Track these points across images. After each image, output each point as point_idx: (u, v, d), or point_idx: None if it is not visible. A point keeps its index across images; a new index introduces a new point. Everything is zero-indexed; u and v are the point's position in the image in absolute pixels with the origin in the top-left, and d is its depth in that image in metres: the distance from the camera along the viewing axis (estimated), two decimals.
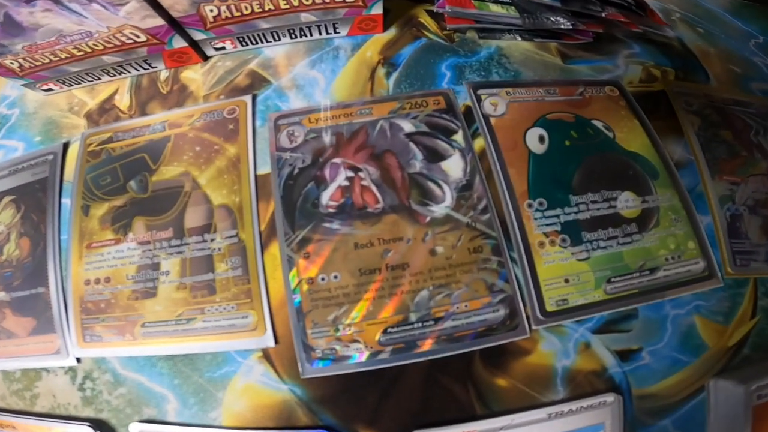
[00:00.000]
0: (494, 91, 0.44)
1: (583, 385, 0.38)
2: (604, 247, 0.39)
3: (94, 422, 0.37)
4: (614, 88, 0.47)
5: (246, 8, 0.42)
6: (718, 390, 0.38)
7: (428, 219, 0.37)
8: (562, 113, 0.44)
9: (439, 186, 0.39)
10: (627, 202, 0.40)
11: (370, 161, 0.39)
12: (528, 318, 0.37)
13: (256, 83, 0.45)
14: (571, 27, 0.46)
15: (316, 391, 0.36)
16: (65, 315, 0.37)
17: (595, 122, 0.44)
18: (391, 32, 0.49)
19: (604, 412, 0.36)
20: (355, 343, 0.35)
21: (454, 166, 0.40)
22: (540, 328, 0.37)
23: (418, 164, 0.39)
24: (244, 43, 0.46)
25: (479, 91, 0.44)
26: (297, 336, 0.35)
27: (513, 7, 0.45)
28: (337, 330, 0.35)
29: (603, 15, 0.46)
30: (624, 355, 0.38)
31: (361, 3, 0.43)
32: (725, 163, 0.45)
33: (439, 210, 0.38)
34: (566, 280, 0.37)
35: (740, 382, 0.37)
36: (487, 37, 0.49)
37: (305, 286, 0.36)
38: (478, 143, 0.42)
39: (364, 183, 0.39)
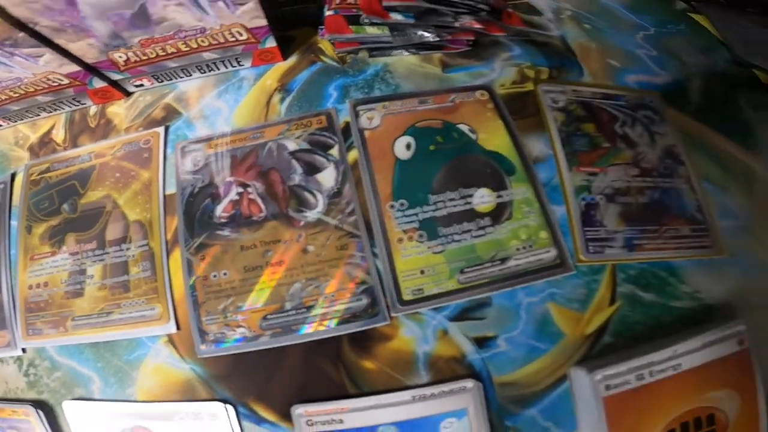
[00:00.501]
0: (372, 106, 0.48)
1: (445, 371, 0.40)
2: (459, 241, 0.42)
3: (36, 403, 0.43)
4: (484, 92, 0.50)
5: (151, 53, 0.47)
6: (573, 379, 0.40)
7: (302, 223, 0.42)
8: (432, 120, 0.48)
9: (314, 195, 0.44)
10: (482, 198, 0.44)
11: (257, 178, 0.45)
12: (387, 306, 0.40)
13: (169, 115, 0.50)
14: (438, 39, 0.49)
15: (212, 370, 0.41)
16: (14, 314, 0.44)
17: (461, 126, 0.47)
18: (292, 59, 0.53)
19: (466, 398, 0.38)
20: (241, 328, 0.40)
21: (327, 177, 0.44)
22: (399, 315, 0.40)
23: (297, 177, 0.44)
24: (159, 80, 0.52)
25: (358, 108, 0.48)
26: (194, 323, 0.41)
27: (386, 27, 0.49)
28: (226, 317, 0.41)
29: (457, 25, 0.49)
30: (481, 342, 0.41)
31: (253, 40, 0.47)
32: (585, 156, 0.48)
33: (312, 215, 0.43)
34: (422, 272, 0.41)
35: (588, 371, 0.38)
36: (377, 55, 0.53)
37: (200, 282, 0.42)
38: (353, 155, 0.46)
39: (251, 197, 0.44)
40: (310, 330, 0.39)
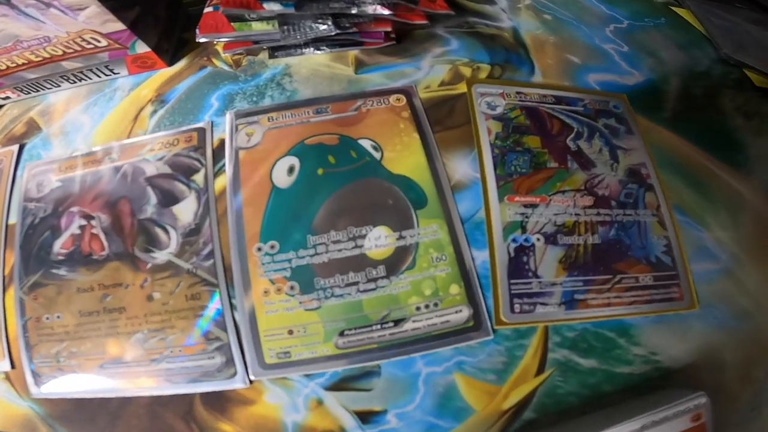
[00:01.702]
0: (255, 119, 0.35)
1: None
2: (340, 296, 0.30)
3: None
4: (401, 97, 0.36)
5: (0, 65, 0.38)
6: None
7: (149, 266, 0.31)
8: (325, 135, 0.34)
9: (166, 231, 0.32)
10: (378, 240, 0.31)
11: (104, 209, 0.33)
12: (246, 368, 0.29)
13: (30, 131, 0.39)
14: (340, 32, 0.35)
15: (52, 410, 0.32)
16: None
17: (363, 141, 0.34)
18: (180, 65, 0.41)
19: None
20: (76, 374, 0.30)
21: (185, 210, 0.32)
22: (262, 379, 0.29)
23: (150, 209, 0.32)
24: (25, 92, 0.40)
25: (239, 121, 0.35)
26: (26, 364, 0.32)
27: (275, 22, 0.35)
28: (59, 362, 0.31)
29: (354, 12, 0.34)
30: (364, 417, 0.29)
31: (117, 46, 0.36)
32: (523, 180, 0.33)
33: (161, 256, 0.31)
34: (290, 332, 0.29)
35: None
36: (281, 55, 0.40)
37: (32, 324, 0.32)
38: (221, 182, 0.34)
39: (94, 231, 0.33)
40: (153, 384, 0.29)
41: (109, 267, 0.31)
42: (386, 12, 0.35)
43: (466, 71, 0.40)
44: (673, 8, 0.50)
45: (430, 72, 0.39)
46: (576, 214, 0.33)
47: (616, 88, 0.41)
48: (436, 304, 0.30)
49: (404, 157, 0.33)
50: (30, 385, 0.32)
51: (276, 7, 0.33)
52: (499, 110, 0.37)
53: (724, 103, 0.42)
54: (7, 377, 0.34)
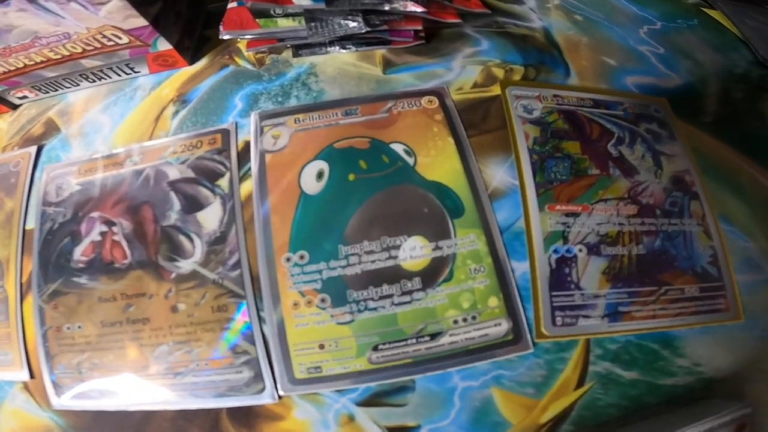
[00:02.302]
0: (281, 120, 0.32)
1: None
2: (374, 309, 0.27)
3: None
4: (433, 99, 0.33)
5: (17, 62, 0.33)
6: None
7: (173, 275, 0.28)
8: (356, 139, 0.31)
9: (191, 239, 0.29)
10: (413, 251, 0.28)
11: (125, 215, 0.30)
12: (275, 383, 0.27)
13: (48, 132, 0.36)
14: (371, 30, 0.32)
15: (74, 421, 0.29)
16: None
17: (395, 146, 0.31)
18: (201, 63, 0.37)
19: None
20: (97, 386, 0.28)
21: (210, 217, 0.29)
22: (291, 394, 0.27)
23: (173, 216, 0.29)
24: (44, 91, 0.37)
25: (264, 122, 0.32)
26: (46, 375, 0.29)
27: (302, 18, 0.32)
28: (81, 373, 0.28)
29: (387, 8, 0.31)
30: None
31: (139, 43, 0.33)
32: (564, 188, 0.30)
33: (185, 266, 0.28)
34: (321, 346, 0.26)
35: None
36: (305, 54, 0.36)
37: (52, 333, 0.29)
38: (247, 187, 0.31)
39: (115, 238, 0.30)
40: (177, 398, 0.27)
41: (132, 276, 0.28)
42: (419, 9, 0.32)
43: (499, 73, 0.36)
44: (704, 9, 0.47)
45: (461, 73, 0.36)
46: (620, 224, 0.30)
47: (656, 92, 0.38)
48: (474, 318, 0.27)
49: (439, 162, 0.30)
50: (51, 396, 0.29)
51: (306, 2, 0.30)
52: (536, 114, 0.34)
53: (765, 108, 0.39)
54: (26, 387, 0.31)
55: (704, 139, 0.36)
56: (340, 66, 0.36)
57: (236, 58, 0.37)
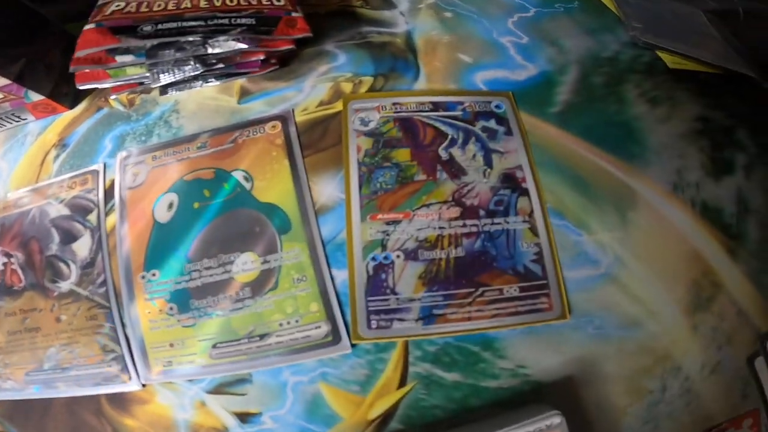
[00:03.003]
0: (141, 158, 0.37)
1: None
2: (212, 314, 0.32)
3: None
4: (276, 123, 0.36)
5: None
6: None
7: (56, 294, 0.35)
8: (203, 170, 0.35)
9: (68, 265, 0.35)
10: (244, 265, 0.32)
11: (19, 248, 0.37)
12: (138, 374, 0.33)
13: None
14: (204, 69, 0.35)
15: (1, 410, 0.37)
16: None
17: (236, 173, 0.35)
18: (81, 107, 0.42)
19: None
20: (9, 381, 0.35)
21: (82, 246, 0.35)
22: (153, 383, 0.33)
23: (54, 247, 0.36)
24: None
25: (126, 162, 0.37)
26: None
27: (144, 65, 0.35)
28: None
29: (211, 51, 0.33)
30: (243, 417, 0.32)
31: (13, 96, 0.37)
32: (387, 197, 0.33)
33: (65, 286, 0.35)
34: (171, 345, 0.32)
35: None
36: (172, 91, 0.39)
37: None
38: (112, 220, 0.36)
39: (13, 267, 0.37)
40: (67, 388, 0.34)
41: (26, 296, 0.36)
42: (244, 45, 0.35)
43: (347, 87, 0.38)
44: None
45: (311, 93, 0.38)
46: (440, 228, 0.33)
47: (504, 86, 0.39)
48: (297, 321, 0.31)
49: (273, 184, 0.34)
50: None
51: (128, 59, 0.34)
52: (371, 125, 0.36)
53: (627, 90, 0.39)
54: None
55: (548, 131, 0.37)
56: (201, 101, 0.40)
57: (110, 101, 0.42)
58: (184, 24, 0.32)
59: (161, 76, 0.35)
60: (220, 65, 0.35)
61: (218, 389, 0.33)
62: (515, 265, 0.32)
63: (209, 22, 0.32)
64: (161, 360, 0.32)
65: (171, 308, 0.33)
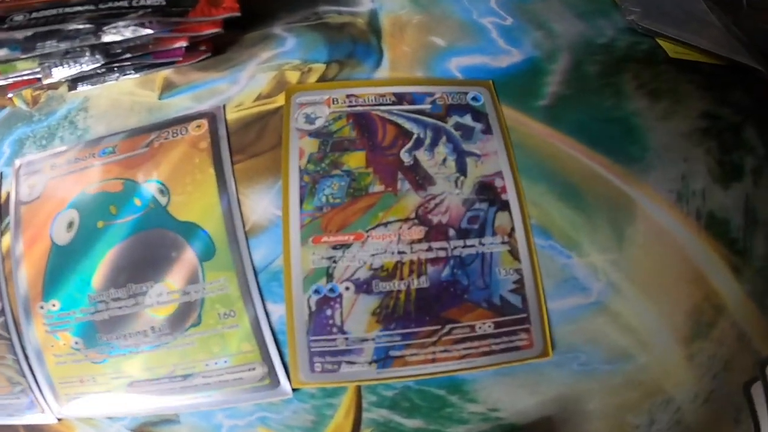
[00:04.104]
0: (37, 167, 0.30)
1: None
2: (124, 351, 0.26)
3: None
4: (202, 122, 0.29)
5: None
6: None
7: None
8: (109, 182, 0.28)
9: None
10: (159, 297, 0.26)
11: None
12: (50, 407, 0.28)
13: None
14: (105, 62, 0.28)
15: None
16: None
17: (149, 185, 0.28)
18: None
19: None
20: None
21: None
22: (70, 417, 0.28)
23: None
24: None
25: (22, 171, 0.29)
26: None
27: (36, 59, 0.28)
28: None
29: (102, 41, 0.26)
30: None
31: None
32: (335, 214, 0.26)
33: None
34: (81, 381, 0.27)
35: None
36: (82, 85, 0.31)
37: None
38: (6, 240, 0.29)
39: None
40: None
41: None
42: (150, 31, 0.27)
43: (293, 76, 0.31)
44: None
45: (248, 84, 0.31)
46: (400, 252, 0.26)
47: (484, 74, 0.31)
48: (225, 362, 0.25)
49: (194, 199, 0.27)
50: None
51: (2, 54, 0.26)
52: (319, 123, 0.29)
53: (625, 82, 0.31)
54: None
55: (533, 128, 0.30)
56: (115, 97, 0.32)
57: (14, 99, 0.34)
58: (67, 10, 0.25)
59: (53, 70, 0.28)
60: (128, 55, 0.28)
61: (142, 429, 0.27)
62: (491, 296, 0.25)
63: (101, 6, 0.25)
64: (71, 395, 0.27)
65: (76, 343, 0.27)
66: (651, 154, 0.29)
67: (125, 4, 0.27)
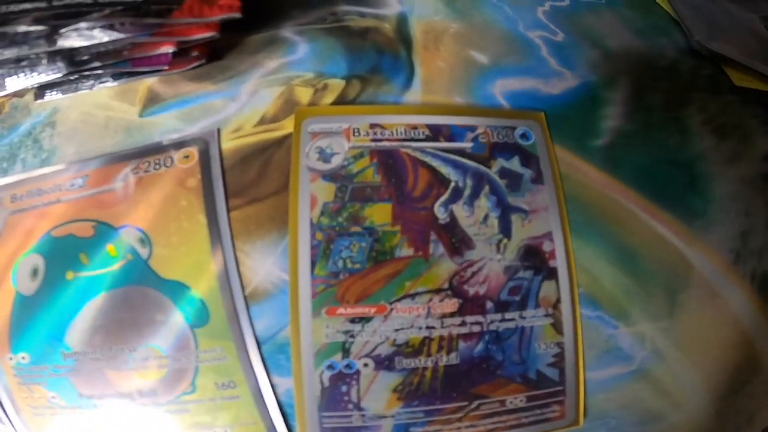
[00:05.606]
0: None
1: None
2: (110, 411, 0.22)
3: None
4: (191, 152, 0.23)
5: None
6: None
7: None
8: (78, 223, 0.23)
9: None
10: (145, 362, 0.22)
11: None
12: None
13: None
14: (69, 70, 0.21)
15: None
16: None
17: (126, 231, 0.22)
18: None
19: None
20: None
21: None
22: None
23: None
24: None
25: None
26: None
27: None
28: None
29: (66, 45, 0.20)
30: None
31: None
32: (354, 282, 0.21)
33: None
34: None
35: None
36: (51, 94, 0.25)
37: None
38: None
39: None
40: None
41: None
42: (121, 35, 0.20)
43: (305, 94, 0.24)
44: None
45: (248, 102, 0.24)
46: (428, 327, 0.22)
47: (535, 102, 0.25)
48: None
49: (182, 253, 0.22)
50: None
51: None
52: (336, 161, 0.23)
53: (690, 116, 0.26)
54: None
55: (588, 176, 0.25)
56: (86, 110, 0.25)
57: None
58: (11, 8, 0.18)
59: (6, 80, 0.22)
60: (97, 63, 0.22)
61: None
62: (526, 371, 0.22)
63: (54, 3, 0.18)
64: None
65: (53, 397, 0.23)
66: (715, 208, 0.25)
67: (87, 0, 0.21)
